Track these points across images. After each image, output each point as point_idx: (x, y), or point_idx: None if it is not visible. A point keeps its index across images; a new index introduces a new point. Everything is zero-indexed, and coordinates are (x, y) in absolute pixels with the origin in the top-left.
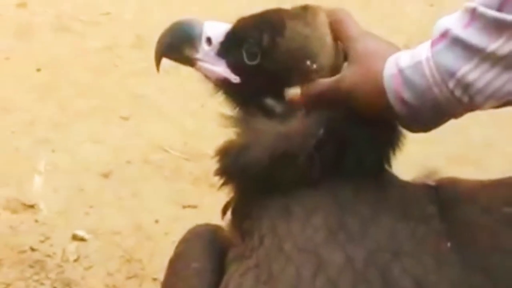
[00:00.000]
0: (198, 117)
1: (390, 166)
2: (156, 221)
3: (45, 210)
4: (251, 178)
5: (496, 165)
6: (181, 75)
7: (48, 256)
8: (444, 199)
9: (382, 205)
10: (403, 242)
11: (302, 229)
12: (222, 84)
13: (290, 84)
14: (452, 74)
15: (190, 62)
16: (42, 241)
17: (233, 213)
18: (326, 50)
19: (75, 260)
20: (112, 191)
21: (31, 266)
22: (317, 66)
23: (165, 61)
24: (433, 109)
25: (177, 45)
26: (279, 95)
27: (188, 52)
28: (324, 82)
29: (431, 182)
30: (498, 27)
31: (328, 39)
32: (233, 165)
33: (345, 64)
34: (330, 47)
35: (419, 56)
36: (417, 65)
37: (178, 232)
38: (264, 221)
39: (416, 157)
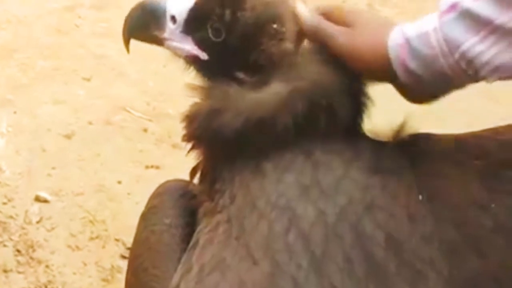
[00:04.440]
0: (160, 77)
1: (360, 124)
2: (119, 182)
3: (7, 171)
4: (222, 142)
5: (460, 121)
6: None
7: (11, 217)
8: (416, 152)
9: (355, 160)
10: (375, 196)
11: (275, 186)
12: (192, 61)
13: (260, 51)
14: (458, 46)
15: (158, 41)
16: (4, 203)
17: (202, 177)
18: (290, 12)
19: (38, 222)
20: (74, 152)
21: None
22: (285, 28)
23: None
24: (438, 80)
25: (143, 26)
26: (248, 68)
27: (154, 32)
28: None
29: (402, 137)
30: (509, 0)
31: (290, 2)
32: (202, 129)
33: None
34: (293, 11)
35: (426, 27)
36: (424, 35)
37: (141, 193)
38: (236, 181)
39: (379, 114)
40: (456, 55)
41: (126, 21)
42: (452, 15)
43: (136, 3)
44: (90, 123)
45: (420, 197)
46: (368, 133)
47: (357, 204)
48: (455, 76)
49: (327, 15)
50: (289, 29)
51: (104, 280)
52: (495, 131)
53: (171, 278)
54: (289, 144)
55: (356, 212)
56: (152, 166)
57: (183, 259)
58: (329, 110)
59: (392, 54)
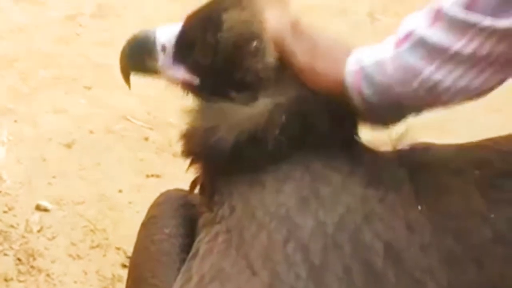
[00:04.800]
0: (161, 86)
1: (357, 136)
2: (120, 191)
3: (8, 180)
4: (219, 157)
5: (460, 131)
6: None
7: (12, 226)
8: (415, 162)
9: (353, 172)
10: (373, 207)
11: (274, 197)
12: (187, 87)
13: (245, 69)
14: (416, 75)
15: (154, 72)
16: (5, 212)
17: (201, 189)
18: (268, 26)
19: (39, 231)
20: (75, 161)
21: None
22: (265, 43)
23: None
24: (393, 107)
25: (138, 59)
26: (238, 86)
27: (149, 64)
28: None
29: (401, 147)
30: (462, 27)
31: (268, 14)
32: (199, 146)
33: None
34: (273, 22)
35: (382, 55)
36: (380, 64)
37: (141, 202)
38: (235, 193)
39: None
40: (415, 84)
41: (121, 57)
42: (407, 44)
43: (127, 39)
44: (91, 132)
45: (419, 207)
46: (366, 144)
47: (355, 214)
48: (411, 104)
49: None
50: (270, 44)
51: None
52: (495, 141)
53: (170, 287)
54: (286, 156)
55: (355, 222)
56: (152, 175)
57: (182, 269)
58: (316, 120)
59: (348, 80)
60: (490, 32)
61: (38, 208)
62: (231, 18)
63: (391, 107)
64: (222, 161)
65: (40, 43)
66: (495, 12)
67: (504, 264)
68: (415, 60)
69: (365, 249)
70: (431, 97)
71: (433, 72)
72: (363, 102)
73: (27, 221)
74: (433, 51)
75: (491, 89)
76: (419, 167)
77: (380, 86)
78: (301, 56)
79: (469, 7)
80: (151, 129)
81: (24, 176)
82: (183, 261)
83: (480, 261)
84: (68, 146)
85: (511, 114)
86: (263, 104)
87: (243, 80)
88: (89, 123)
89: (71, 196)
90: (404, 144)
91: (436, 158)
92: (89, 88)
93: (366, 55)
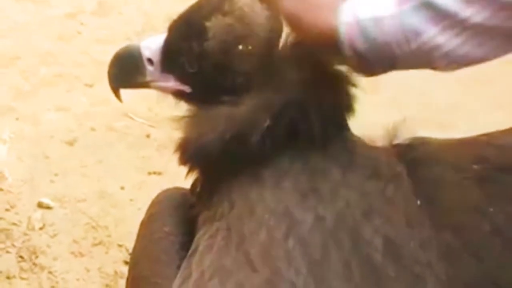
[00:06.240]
0: None
1: (347, 129)
2: (121, 188)
3: (10, 178)
4: (208, 160)
5: (461, 126)
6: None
7: (14, 224)
8: (413, 157)
9: (352, 166)
10: (373, 202)
11: (274, 193)
12: (179, 96)
13: (234, 72)
14: (417, 36)
15: (144, 85)
16: (7, 210)
17: (201, 190)
18: (254, 26)
19: (41, 228)
20: (77, 159)
21: None
22: (252, 45)
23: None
24: (386, 63)
25: (127, 76)
26: (231, 89)
27: (138, 78)
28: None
29: (399, 142)
30: None
31: (252, 15)
32: (191, 154)
33: None
34: (257, 21)
35: (382, 11)
36: (378, 20)
37: (143, 199)
38: (234, 189)
39: (379, 121)
40: (413, 44)
41: (108, 74)
42: (413, 3)
43: (112, 55)
44: (92, 129)
45: (418, 202)
46: (364, 139)
47: (355, 209)
48: (405, 62)
49: None
50: (258, 41)
51: (107, 286)
52: (491, 136)
53: (171, 285)
54: (286, 151)
55: (354, 218)
56: (154, 172)
57: (182, 266)
58: (304, 124)
59: (341, 31)
60: (505, 4)
61: (40, 205)
62: (214, 25)
63: (384, 63)
64: (213, 163)
65: (41, 41)
66: None
67: (502, 258)
68: (418, 21)
69: (365, 244)
70: (427, 59)
71: (436, 35)
72: (355, 55)
73: (29, 218)
74: (440, 15)
75: (486, 61)
76: (417, 162)
77: (376, 43)
78: (291, 6)
79: None
80: (152, 126)
81: (26, 174)
82: (183, 259)
83: (479, 255)
84: (70, 143)
85: None
86: (246, 106)
87: (233, 84)
88: (91, 120)
89: (73, 193)
90: (401, 139)
91: (434, 153)
92: (91, 86)
93: (362, 8)
